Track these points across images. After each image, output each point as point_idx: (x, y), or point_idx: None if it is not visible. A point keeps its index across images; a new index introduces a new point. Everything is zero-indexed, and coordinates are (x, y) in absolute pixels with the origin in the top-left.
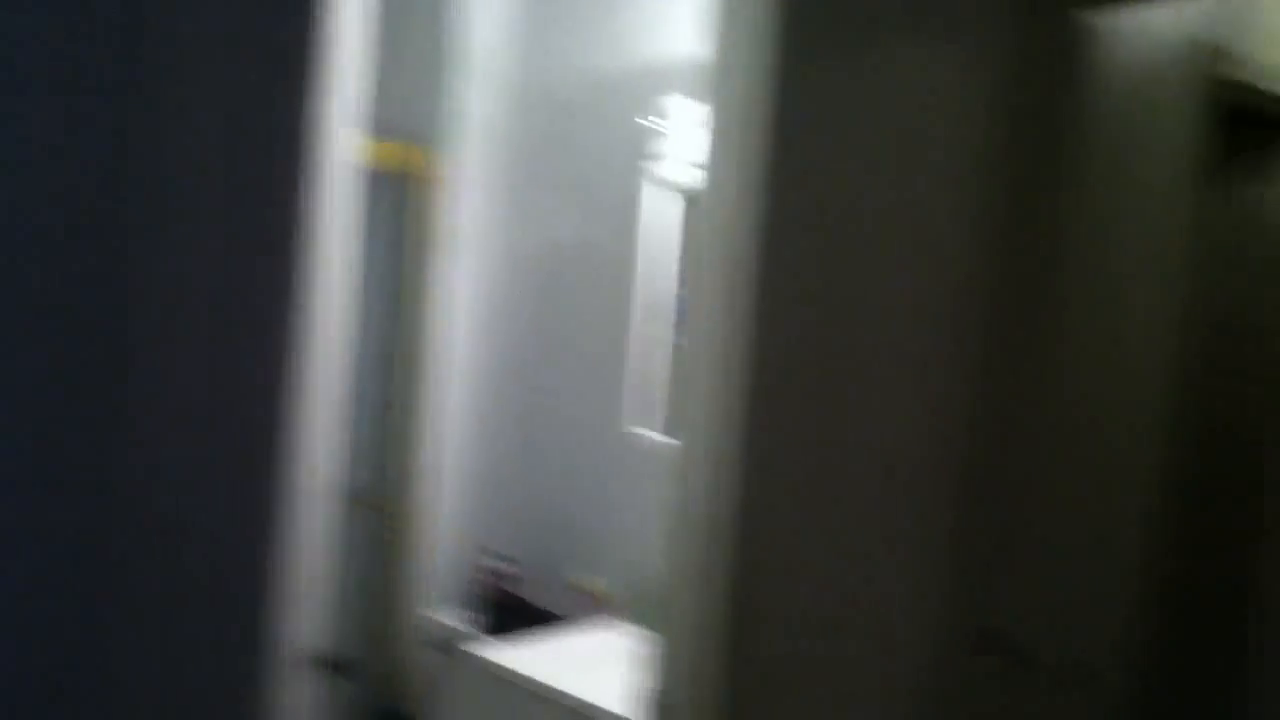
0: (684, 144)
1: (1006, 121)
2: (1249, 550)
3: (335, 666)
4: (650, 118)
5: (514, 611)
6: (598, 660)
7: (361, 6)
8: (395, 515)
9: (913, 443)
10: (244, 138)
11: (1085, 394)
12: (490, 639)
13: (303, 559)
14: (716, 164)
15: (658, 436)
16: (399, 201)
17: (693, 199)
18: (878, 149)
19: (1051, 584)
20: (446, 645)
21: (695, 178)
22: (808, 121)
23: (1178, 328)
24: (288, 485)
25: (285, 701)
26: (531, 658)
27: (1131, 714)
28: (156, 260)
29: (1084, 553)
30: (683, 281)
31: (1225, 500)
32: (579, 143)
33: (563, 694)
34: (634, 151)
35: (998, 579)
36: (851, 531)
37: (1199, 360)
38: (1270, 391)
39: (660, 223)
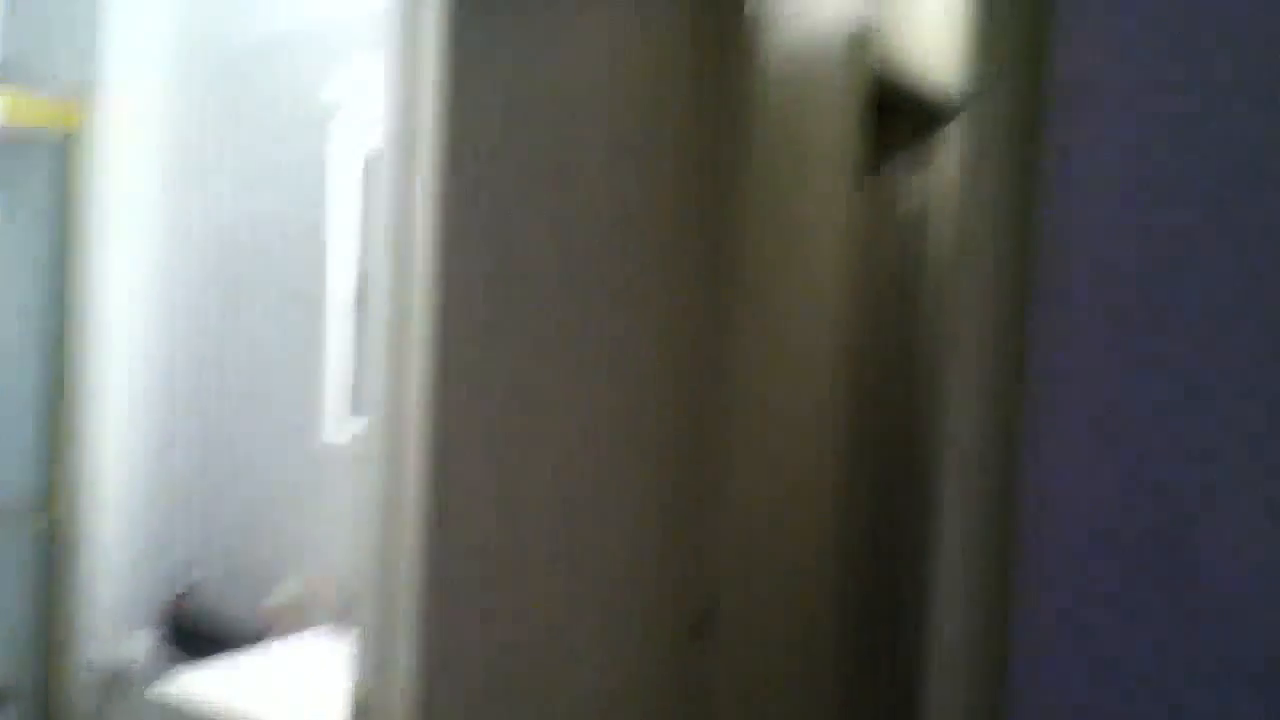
0: (369, 107)
1: (684, 93)
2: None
3: None
4: (337, 80)
5: (204, 631)
6: (296, 678)
7: None
8: (60, 529)
9: (612, 426)
10: None
11: (763, 383)
12: (174, 666)
13: None
14: (393, 127)
15: (349, 428)
16: (51, 167)
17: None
18: (561, 115)
19: (753, 569)
20: (122, 675)
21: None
22: (488, 83)
23: (842, 308)
24: None
25: None
26: (220, 683)
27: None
28: None
29: (781, 538)
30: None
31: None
32: (257, 106)
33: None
34: (319, 116)
35: (707, 565)
36: (554, 518)
37: (859, 349)
38: (923, 372)
39: (336, 193)
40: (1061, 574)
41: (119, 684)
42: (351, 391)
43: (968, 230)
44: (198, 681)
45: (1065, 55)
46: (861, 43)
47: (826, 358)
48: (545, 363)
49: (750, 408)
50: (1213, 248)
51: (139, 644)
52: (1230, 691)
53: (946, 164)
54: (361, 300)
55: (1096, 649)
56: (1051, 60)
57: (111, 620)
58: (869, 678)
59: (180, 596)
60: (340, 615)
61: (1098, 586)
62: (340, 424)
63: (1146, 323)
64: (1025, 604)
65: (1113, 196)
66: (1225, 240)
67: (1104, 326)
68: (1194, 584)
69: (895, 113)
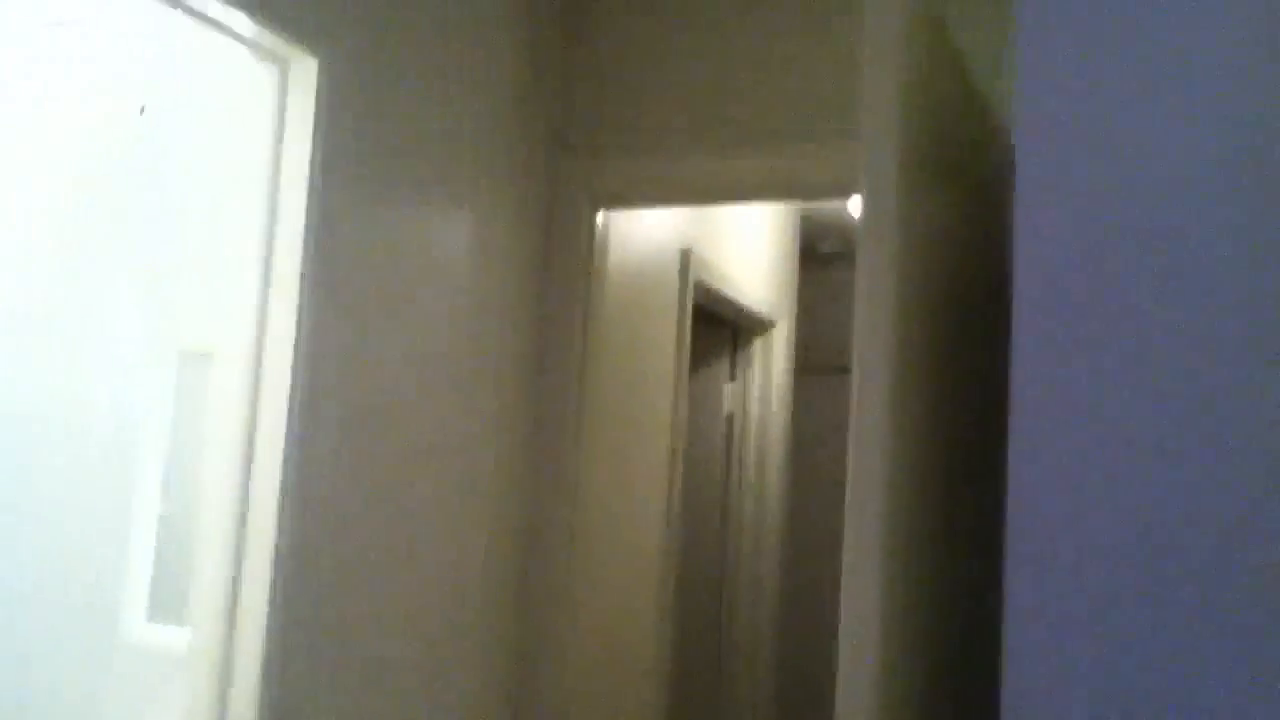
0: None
1: (539, 291)
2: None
3: None
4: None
5: None
6: None
7: None
8: None
9: (450, 622)
10: None
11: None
12: None
13: None
14: (242, 321)
15: (148, 628)
16: None
17: (201, 358)
18: (421, 300)
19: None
20: None
21: (207, 337)
22: (343, 274)
23: (669, 483)
24: None
25: None
26: None
27: None
28: None
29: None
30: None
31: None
32: (82, 292)
33: None
34: (124, 304)
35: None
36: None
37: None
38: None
39: (155, 384)
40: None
41: None
42: (151, 588)
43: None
44: None
45: None
46: (688, 259)
47: (655, 531)
48: (397, 560)
49: (584, 572)
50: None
51: None
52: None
53: (757, 370)
54: (167, 491)
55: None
56: None
57: None
58: None
59: None
60: None
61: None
62: (137, 624)
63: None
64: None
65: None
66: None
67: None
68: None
69: (713, 322)
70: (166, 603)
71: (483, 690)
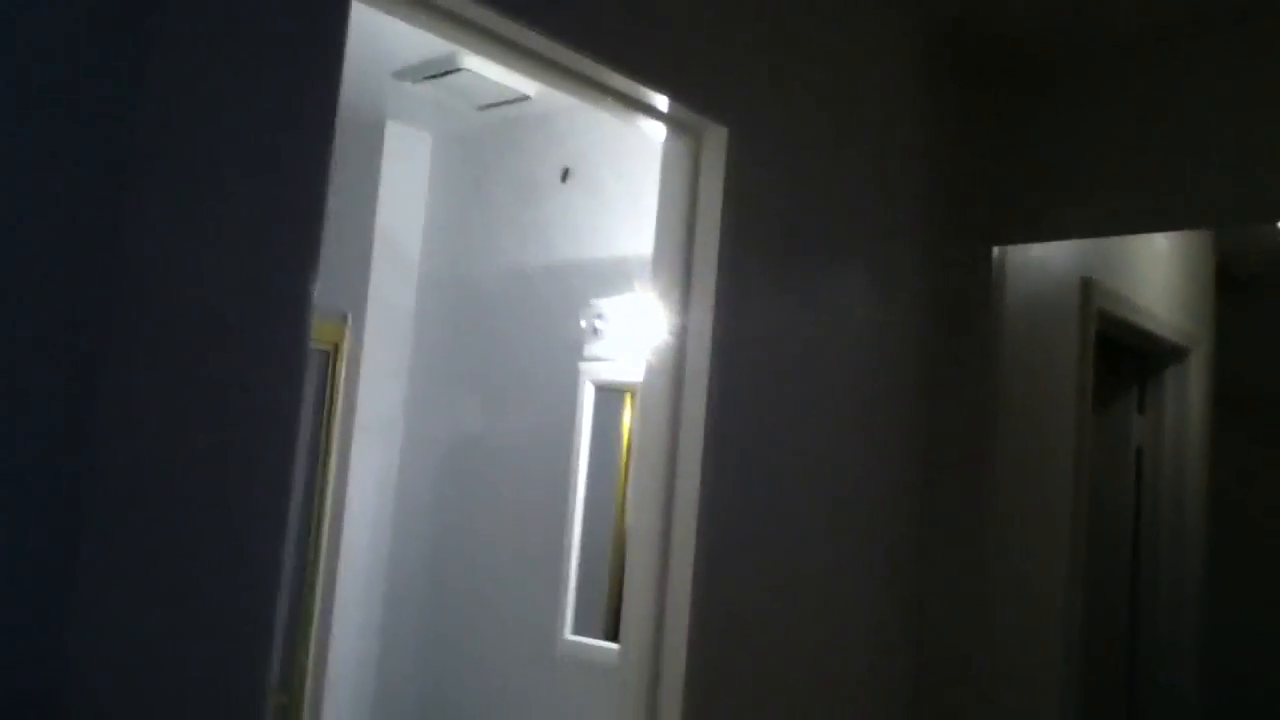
0: (618, 341)
1: (929, 337)
2: None
3: None
4: (586, 317)
5: None
6: None
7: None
8: (294, 712)
9: (863, 630)
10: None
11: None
12: None
13: None
14: (661, 362)
15: (598, 643)
16: (312, 379)
17: (628, 393)
18: (818, 351)
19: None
20: None
21: (631, 373)
22: (749, 321)
23: (1074, 528)
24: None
25: None
26: None
27: None
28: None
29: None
30: (619, 478)
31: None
32: (509, 335)
33: None
34: (567, 346)
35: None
36: None
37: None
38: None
39: (596, 419)
40: None
41: None
42: (575, 608)
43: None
44: None
45: None
46: (1089, 288)
47: (1060, 584)
48: (789, 580)
49: (988, 627)
50: None
51: None
52: None
53: (1169, 402)
54: (594, 521)
55: None
56: None
57: None
58: None
59: None
60: None
61: None
62: (570, 636)
63: None
64: None
65: None
66: None
67: None
68: None
69: (1122, 352)
70: (585, 618)
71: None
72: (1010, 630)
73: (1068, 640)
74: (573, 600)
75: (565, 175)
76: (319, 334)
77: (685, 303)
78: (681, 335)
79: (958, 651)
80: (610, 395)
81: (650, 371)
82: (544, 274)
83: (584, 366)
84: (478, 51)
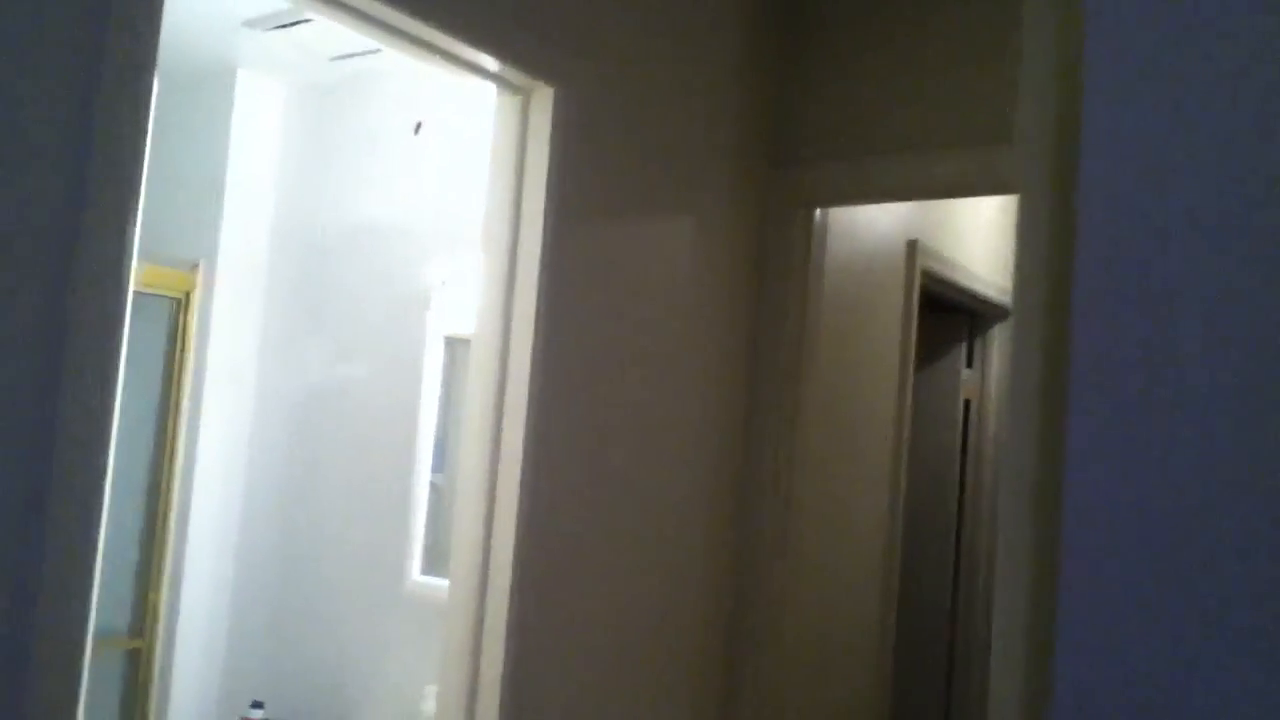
0: (464, 294)
1: (755, 292)
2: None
3: None
4: (434, 269)
5: None
6: None
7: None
8: (147, 657)
9: (686, 570)
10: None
11: (818, 547)
12: None
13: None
14: (491, 312)
15: (445, 583)
16: (162, 327)
17: (461, 344)
18: (643, 301)
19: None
20: None
21: (465, 325)
22: (576, 274)
23: (894, 473)
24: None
25: None
26: None
27: None
28: None
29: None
30: (445, 424)
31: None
32: (360, 286)
33: None
34: (416, 299)
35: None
36: (626, 673)
37: (906, 499)
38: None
39: (445, 370)
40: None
41: None
42: (424, 550)
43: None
44: None
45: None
46: (915, 249)
47: (879, 524)
48: (618, 524)
49: (806, 570)
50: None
51: None
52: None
53: (996, 357)
54: (438, 461)
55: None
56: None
57: None
58: None
59: None
60: None
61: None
62: (415, 576)
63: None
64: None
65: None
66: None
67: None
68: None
69: (954, 312)
70: (433, 559)
71: (700, 669)
72: (832, 569)
73: (887, 574)
74: (420, 543)
75: (418, 128)
76: (168, 282)
77: (513, 258)
78: (509, 290)
79: (775, 585)
80: (458, 346)
81: (481, 323)
82: (394, 226)
83: (430, 318)
84: (308, 9)
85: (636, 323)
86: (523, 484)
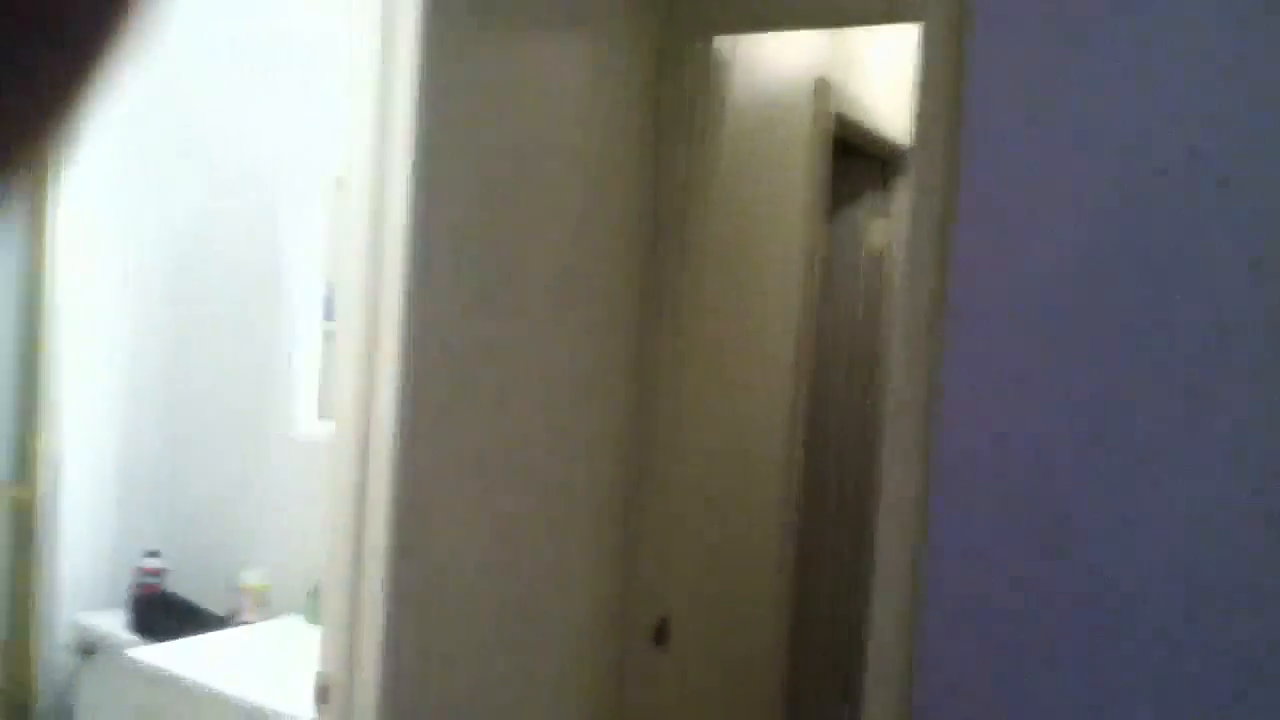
0: (331, 126)
1: (650, 124)
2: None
3: None
4: (315, 101)
5: (171, 613)
6: (258, 657)
7: None
8: (32, 505)
9: (579, 425)
10: None
11: (719, 404)
12: (144, 641)
13: None
14: (362, 147)
15: (316, 426)
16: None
17: (339, 184)
18: (530, 138)
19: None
20: (90, 647)
21: (342, 162)
22: (459, 106)
23: (799, 329)
24: None
25: None
26: (184, 658)
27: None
28: None
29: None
30: (328, 269)
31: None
32: (212, 117)
33: (229, 695)
34: (276, 130)
35: (663, 577)
36: (520, 527)
37: (812, 355)
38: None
39: (310, 208)
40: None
41: (90, 651)
42: (318, 393)
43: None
44: (166, 654)
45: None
46: (824, 88)
47: (784, 384)
48: (509, 375)
49: (705, 427)
50: (1104, 261)
51: (108, 620)
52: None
53: (901, 208)
54: (329, 308)
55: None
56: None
57: (81, 595)
58: (812, 676)
59: (147, 579)
60: (305, 602)
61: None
62: (306, 423)
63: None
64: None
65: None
66: (1115, 255)
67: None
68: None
69: (857, 157)
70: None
71: (601, 510)
72: (733, 421)
73: (791, 434)
74: (315, 389)
75: None
76: None
77: (388, 92)
78: (382, 125)
79: (675, 440)
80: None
81: (352, 159)
82: (255, 45)
83: (316, 158)
84: None
85: (525, 153)
86: (404, 324)
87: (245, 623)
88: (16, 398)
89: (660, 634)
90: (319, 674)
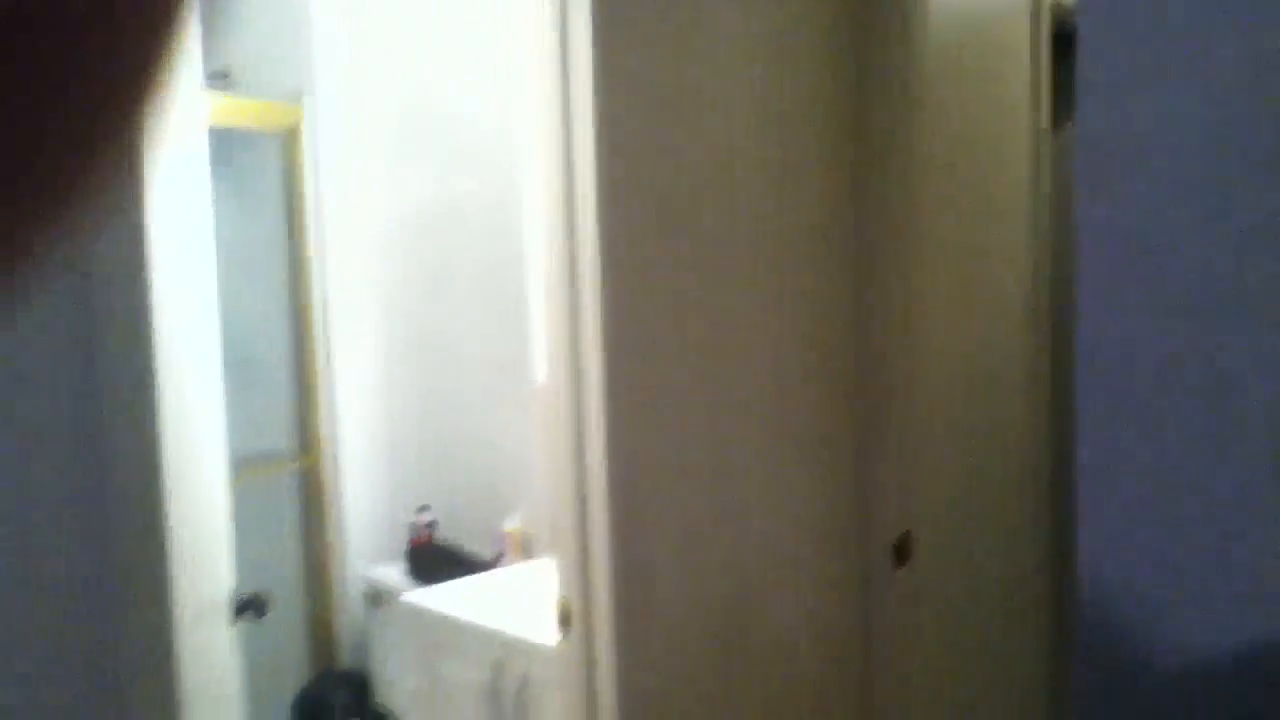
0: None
1: (843, 58)
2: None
3: (252, 607)
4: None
5: (442, 560)
6: (517, 595)
7: None
8: (314, 474)
9: (792, 362)
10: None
11: (952, 326)
12: (420, 586)
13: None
14: (549, 116)
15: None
16: (271, 162)
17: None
18: (712, 93)
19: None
20: (377, 598)
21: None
22: (641, 66)
23: (1037, 253)
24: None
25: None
26: (453, 599)
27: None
28: None
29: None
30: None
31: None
32: (453, 95)
33: (488, 630)
34: (505, 99)
35: (904, 494)
36: (733, 449)
37: (1049, 287)
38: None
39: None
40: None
41: (376, 598)
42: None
43: None
44: (438, 596)
45: None
46: None
47: (1019, 303)
48: (722, 315)
49: (937, 347)
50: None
51: (390, 572)
52: None
53: None
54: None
55: None
56: None
57: (366, 551)
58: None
59: (420, 531)
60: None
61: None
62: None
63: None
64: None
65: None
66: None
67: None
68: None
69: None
70: None
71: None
72: (971, 334)
73: (1034, 354)
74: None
75: None
76: (274, 118)
77: (568, 48)
78: (565, 86)
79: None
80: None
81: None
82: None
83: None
84: None
85: (711, 110)
86: (604, 271)
87: (508, 565)
88: (294, 384)
89: (901, 550)
90: (559, 600)
